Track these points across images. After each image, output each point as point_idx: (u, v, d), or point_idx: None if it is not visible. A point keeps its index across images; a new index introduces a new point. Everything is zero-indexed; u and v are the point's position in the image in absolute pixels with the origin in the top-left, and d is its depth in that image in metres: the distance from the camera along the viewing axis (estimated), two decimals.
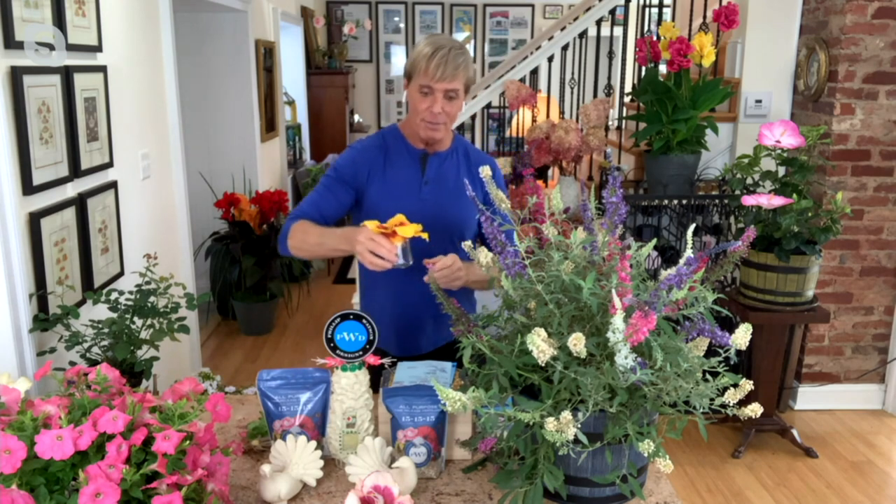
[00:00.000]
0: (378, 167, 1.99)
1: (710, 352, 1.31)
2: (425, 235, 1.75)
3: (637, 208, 3.80)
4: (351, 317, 1.55)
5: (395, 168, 2.00)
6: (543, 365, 1.22)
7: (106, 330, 2.30)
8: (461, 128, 4.69)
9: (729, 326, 1.31)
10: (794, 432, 3.46)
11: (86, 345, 2.31)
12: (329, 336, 1.54)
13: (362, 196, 2.01)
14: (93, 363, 2.29)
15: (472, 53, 9.89)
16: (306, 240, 1.94)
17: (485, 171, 1.52)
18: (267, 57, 5.50)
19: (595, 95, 4.48)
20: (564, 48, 4.30)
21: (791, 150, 3.28)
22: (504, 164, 3.91)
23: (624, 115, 4.21)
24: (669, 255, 3.73)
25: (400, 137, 2.03)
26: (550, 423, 1.19)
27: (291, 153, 6.72)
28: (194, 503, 1.23)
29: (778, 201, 3.06)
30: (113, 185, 2.81)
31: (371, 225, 1.75)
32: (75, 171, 2.50)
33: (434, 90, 1.88)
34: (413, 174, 2.00)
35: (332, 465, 1.56)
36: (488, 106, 4.35)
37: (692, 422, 1.29)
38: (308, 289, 5.55)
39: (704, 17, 3.85)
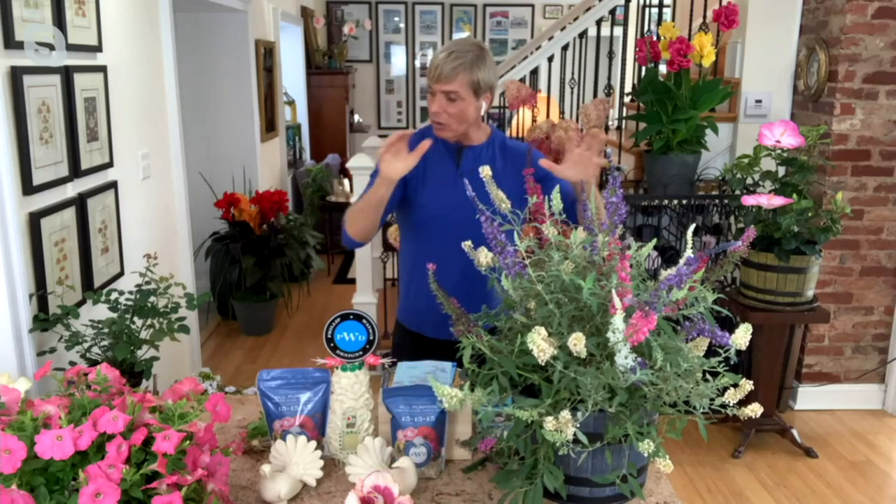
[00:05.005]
0: None
1: (710, 352, 1.31)
2: None
3: (637, 208, 3.80)
4: (351, 317, 1.55)
5: (431, 161, 2.06)
6: (543, 364, 1.22)
7: (106, 330, 2.30)
8: None
9: (729, 326, 1.31)
10: (794, 432, 3.46)
11: (86, 345, 2.31)
12: (329, 336, 1.54)
13: (405, 188, 2.06)
14: (93, 363, 2.29)
15: None
16: (355, 217, 1.99)
17: (485, 171, 1.52)
18: (267, 57, 5.50)
19: (595, 95, 4.48)
20: (564, 48, 4.30)
21: (791, 150, 3.28)
22: None
23: (624, 115, 4.21)
24: (669, 255, 3.73)
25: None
26: (550, 422, 1.19)
27: (291, 153, 6.72)
28: (194, 503, 1.23)
29: (778, 201, 3.05)
30: (113, 185, 2.81)
31: None
32: (75, 171, 2.50)
33: (435, 92, 1.99)
34: (449, 167, 2.08)
35: (332, 465, 1.56)
36: None
37: (692, 422, 1.29)
38: (308, 289, 5.54)
39: (704, 17, 3.85)
